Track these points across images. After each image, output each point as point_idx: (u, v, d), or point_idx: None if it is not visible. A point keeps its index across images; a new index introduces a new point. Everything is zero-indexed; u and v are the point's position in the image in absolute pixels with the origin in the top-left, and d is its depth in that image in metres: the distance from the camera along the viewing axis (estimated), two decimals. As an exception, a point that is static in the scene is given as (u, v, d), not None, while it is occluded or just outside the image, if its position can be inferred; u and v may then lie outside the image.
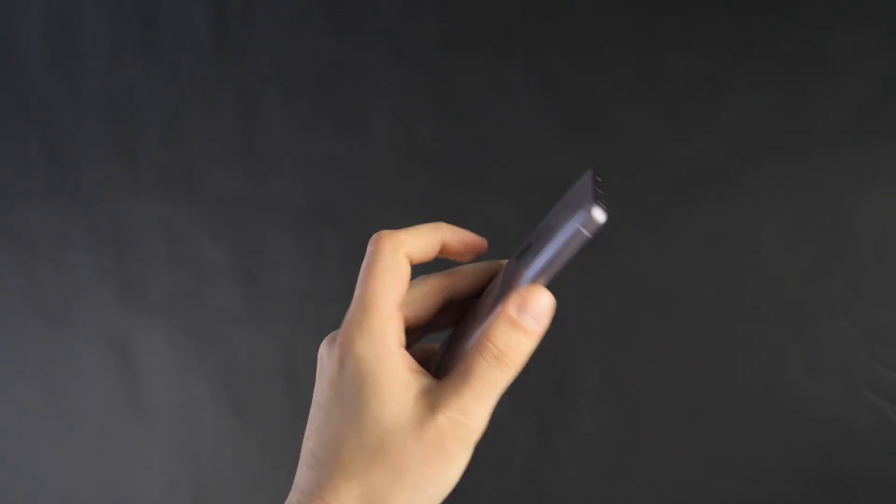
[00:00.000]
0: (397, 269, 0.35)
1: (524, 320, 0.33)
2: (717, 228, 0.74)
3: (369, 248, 0.35)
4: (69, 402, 0.98)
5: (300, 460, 0.35)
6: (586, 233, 0.32)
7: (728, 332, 0.74)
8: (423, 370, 0.35)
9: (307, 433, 0.35)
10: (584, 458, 0.80)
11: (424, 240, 0.36)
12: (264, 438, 0.91)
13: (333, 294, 0.87)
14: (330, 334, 0.37)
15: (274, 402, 0.90)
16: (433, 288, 0.38)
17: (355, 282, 0.87)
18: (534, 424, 0.81)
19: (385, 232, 0.36)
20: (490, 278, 0.40)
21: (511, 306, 0.33)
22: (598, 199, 0.33)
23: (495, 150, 0.81)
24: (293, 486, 0.35)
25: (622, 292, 0.78)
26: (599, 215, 0.32)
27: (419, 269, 0.84)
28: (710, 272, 0.75)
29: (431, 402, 0.33)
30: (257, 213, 0.90)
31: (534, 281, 0.34)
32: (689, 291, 0.76)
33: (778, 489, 0.73)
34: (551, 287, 0.79)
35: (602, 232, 0.33)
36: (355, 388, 0.33)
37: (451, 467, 0.33)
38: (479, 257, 0.38)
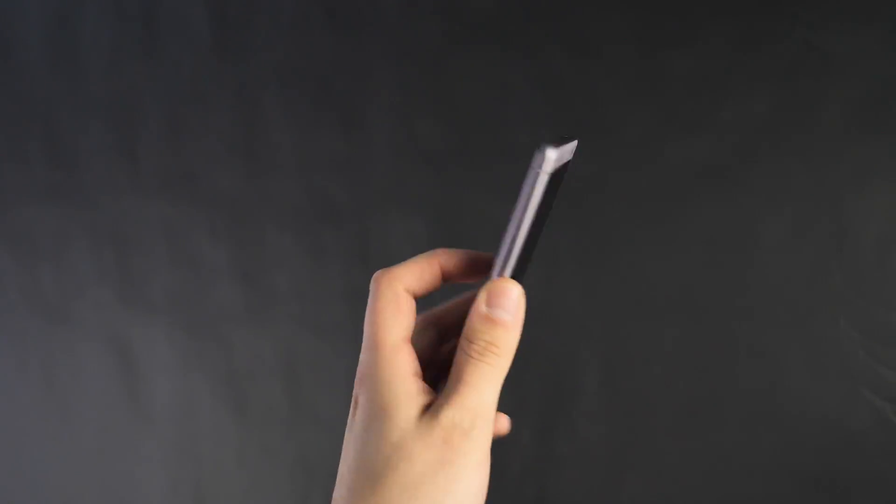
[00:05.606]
0: (396, 302, 0.35)
1: (496, 314, 0.34)
2: (717, 228, 0.74)
3: (370, 289, 0.36)
4: (69, 402, 0.98)
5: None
6: (544, 170, 0.33)
7: (728, 333, 0.74)
8: (432, 390, 0.35)
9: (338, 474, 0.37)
10: (584, 458, 0.80)
11: (421, 269, 0.37)
12: (264, 438, 0.91)
13: (333, 294, 0.87)
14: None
15: (274, 402, 0.90)
16: (423, 322, 0.39)
17: (355, 281, 0.87)
18: (534, 424, 0.81)
19: (381, 270, 0.36)
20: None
21: (481, 304, 0.34)
22: (551, 141, 0.34)
23: (495, 150, 0.81)
24: None
25: (622, 292, 0.78)
26: (552, 151, 0.33)
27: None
28: (710, 272, 0.75)
29: (433, 409, 0.33)
30: (257, 213, 0.90)
31: (501, 270, 0.35)
32: (689, 291, 0.76)
33: (778, 489, 0.73)
34: (552, 276, 0.79)
35: (567, 169, 0.38)
36: (368, 416, 0.34)
37: (465, 470, 0.33)
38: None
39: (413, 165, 0.84)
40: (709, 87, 0.74)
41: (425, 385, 0.35)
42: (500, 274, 0.35)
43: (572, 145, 0.37)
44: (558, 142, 0.34)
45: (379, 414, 0.33)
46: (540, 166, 0.33)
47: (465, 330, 0.34)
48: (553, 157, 0.33)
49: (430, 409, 0.33)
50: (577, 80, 0.78)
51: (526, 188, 0.34)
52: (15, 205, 0.99)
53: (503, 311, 0.34)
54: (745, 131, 0.73)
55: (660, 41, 0.75)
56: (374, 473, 0.33)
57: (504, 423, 0.41)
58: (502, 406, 0.82)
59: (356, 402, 0.35)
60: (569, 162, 0.39)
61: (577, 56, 0.77)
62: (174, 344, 0.94)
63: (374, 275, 0.36)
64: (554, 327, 0.80)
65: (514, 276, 0.35)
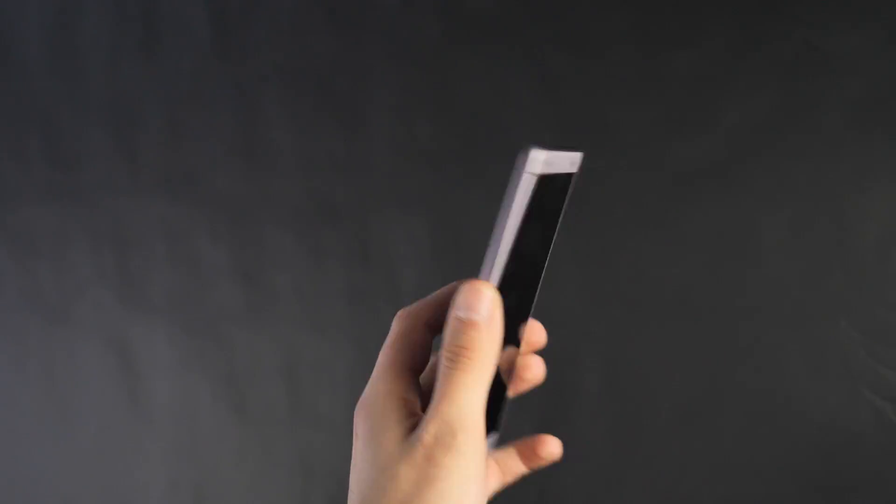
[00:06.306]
0: (408, 336, 0.36)
1: (467, 315, 0.33)
2: (717, 228, 0.74)
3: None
4: (69, 402, 0.98)
5: None
6: (527, 171, 0.32)
7: (728, 332, 0.74)
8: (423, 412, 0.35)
9: None
10: (584, 458, 0.79)
11: (440, 303, 0.37)
12: (264, 438, 0.91)
13: (333, 294, 0.87)
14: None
15: (274, 402, 0.90)
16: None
17: (355, 281, 0.87)
18: (534, 424, 0.81)
19: (402, 309, 0.37)
20: None
21: (452, 308, 0.34)
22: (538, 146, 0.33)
23: (495, 150, 0.81)
24: None
25: (622, 292, 0.78)
26: (537, 153, 0.32)
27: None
28: (710, 272, 0.75)
29: (417, 428, 0.33)
30: (257, 213, 0.90)
31: (486, 277, 0.34)
32: (689, 291, 0.76)
33: (778, 489, 0.73)
34: (552, 276, 0.79)
35: (571, 182, 0.38)
36: (362, 443, 0.34)
37: (453, 486, 0.31)
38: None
39: (413, 165, 0.84)
40: (709, 87, 0.74)
41: (417, 408, 0.34)
42: (484, 274, 0.34)
43: (571, 156, 0.36)
44: (549, 147, 0.34)
45: (370, 441, 0.33)
46: (524, 167, 0.33)
47: (442, 338, 0.34)
48: (540, 159, 0.32)
49: (414, 427, 0.33)
50: (577, 80, 0.78)
51: (510, 191, 0.33)
52: (15, 205, 0.99)
53: (474, 312, 0.33)
54: (745, 131, 0.73)
55: (661, 41, 0.75)
56: (366, 499, 0.32)
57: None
58: (502, 406, 0.82)
59: (356, 432, 0.35)
60: (572, 175, 0.38)
61: (577, 56, 0.77)
62: (174, 344, 0.94)
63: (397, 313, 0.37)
64: (554, 327, 0.80)
65: (503, 286, 0.34)
